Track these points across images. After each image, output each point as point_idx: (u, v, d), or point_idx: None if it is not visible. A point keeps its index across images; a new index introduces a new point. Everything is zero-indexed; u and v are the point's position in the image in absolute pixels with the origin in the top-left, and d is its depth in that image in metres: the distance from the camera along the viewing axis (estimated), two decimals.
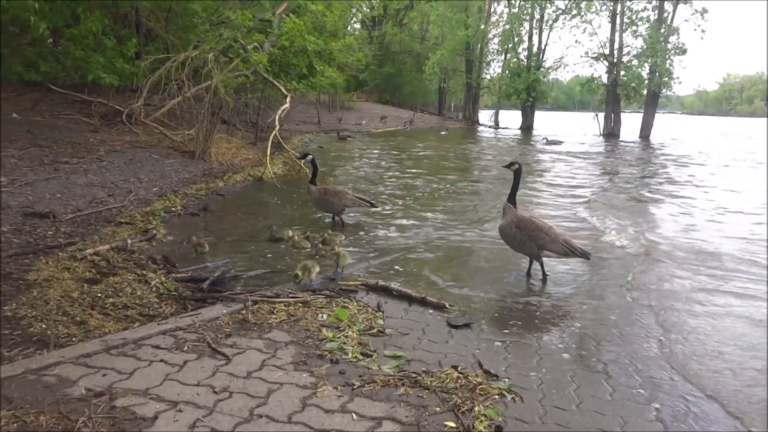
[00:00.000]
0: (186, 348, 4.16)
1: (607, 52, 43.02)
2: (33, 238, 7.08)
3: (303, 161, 11.82)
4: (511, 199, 6.92)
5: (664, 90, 42.17)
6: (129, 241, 7.14)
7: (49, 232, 7.38)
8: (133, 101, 16.89)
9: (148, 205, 9.53)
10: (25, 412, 3.22)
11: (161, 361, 3.93)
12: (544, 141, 33.44)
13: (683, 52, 39.77)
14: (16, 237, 7.02)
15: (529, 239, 6.57)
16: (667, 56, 39.44)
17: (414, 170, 17.59)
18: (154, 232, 7.76)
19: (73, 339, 4.37)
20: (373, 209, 9.64)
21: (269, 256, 7.31)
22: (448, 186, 14.52)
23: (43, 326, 4.55)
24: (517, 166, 7.06)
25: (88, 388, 3.52)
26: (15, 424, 3.10)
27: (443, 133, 39.30)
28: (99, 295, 5.31)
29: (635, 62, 41.58)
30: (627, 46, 42.31)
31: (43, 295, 5.16)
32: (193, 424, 3.20)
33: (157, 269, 6.26)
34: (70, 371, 3.72)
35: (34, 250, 6.51)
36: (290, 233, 7.94)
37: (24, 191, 8.97)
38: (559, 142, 32.78)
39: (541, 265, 6.77)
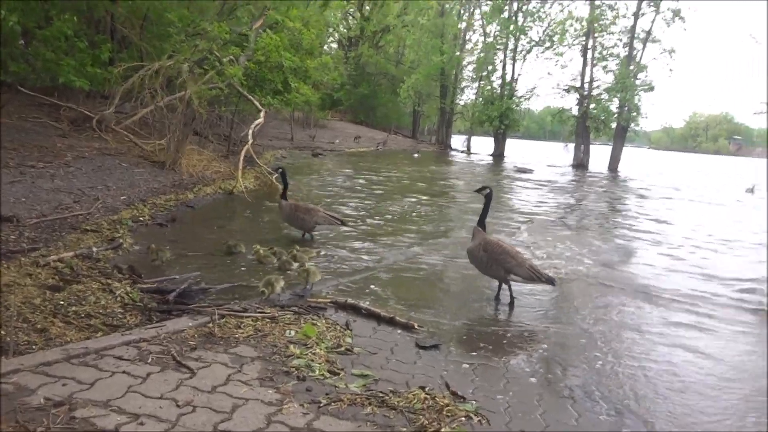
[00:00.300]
0: (150, 360, 4.07)
1: (578, 84, 43.88)
2: None
3: (275, 176, 11.77)
4: (481, 222, 6.99)
5: (632, 124, 43.06)
6: (94, 249, 7.00)
7: (12, 237, 7.19)
8: (103, 107, 16.63)
9: (116, 213, 9.36)
10: None
11: (124, 372, 3.84)
12: (515, 168, 33.89)
13: (651, 88, 40.78)
14: None
15: (496, 263, 6.63)
16: (635, 92, 40.37)
17: (385, 191, 17.64)
18: (121, 241, 7.62)
19: (34, 347, 4.25)
20: (343, 227, 9.65)
21: (239, 270, 7.23)
22: (419, 208, 14.59)
23: (2, 333, 4.41)
24: (488, 190, 7.14)
25: (47, 397, 3.42)
26: None
27: (416, 155, 39.55)
28: (62, 302, 5.18)
29: (605, 96, 42.45)
30: (597, 80, 43.25)
31: (4, 301, 5.01)
32: None
33: (122, 279, 6.15)
34: (29, 380, 3.61)
35: None
36: (256, 247, 7.87)
37: None
38: (530, 171, 33.25)
39: (509, 288, 6.82)
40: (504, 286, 6.87)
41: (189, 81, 14.03)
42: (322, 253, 8.54)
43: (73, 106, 16.91)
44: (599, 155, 45.16)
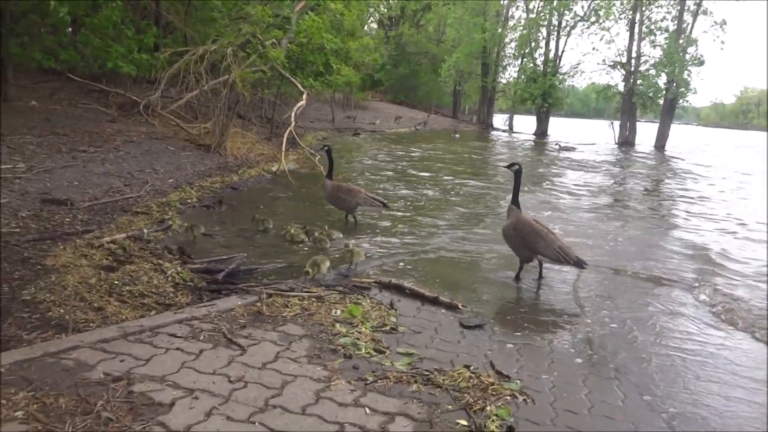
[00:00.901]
0: (202, 337, 4.21)
1: (624, 60, 42.84)
2: (51, 224, 7.16)
3: (317, 157, 11.87)
4: (515, 200, 6.91)
5: (680, 101, 41.95)
6: (145, 230, 7.21)
7: (67, 219, 7.46)
8: (150, 92, 17.01)
9: (164, 196, 9.61)
10: (44, 393, 3.27)
11: (177, 349, 3.98)
12: (557, 147, 33.37)
13: (701, 63, 39.56)
14: (34, 223, 7.11)
15: (524, 242, 6.58)
16: (684, 67, 39.24)
17: (426, 172, 17.61)
18: (170, 222, 7.83)
19: (91, 324, 4.44)
20: (386, 209, 9.67)
21: (284, 250, 7.36)
22: (460, 188, 14.54)
23: (61, 311, 4.62)
24: (517, 167, 7.04)
25: (106, 372, 3.58)
26: (35, 405, 3.15)
27: (456, 136, 39.28)
28: (116, 282, 5.37)
29: (652, 71, 41.40)
30: (644, 55, 42.20)
31: (61, 281, 5.23)
32: (209, 411, 3.24)
33: (172, 259, 6.33)
34: (88, 356, 3.78)
35: (51, 236, 6.59)
36: (287, 228, 8.00)
37: (42, 178, 9.07)
38: (572, 149, 32.71)
39: (540, 267, 6.84)
40: (526, 266, 6.85)
41: (233, 65, 14.20)
42: (364, 235, 8.62)
43: (121, 91, 17.34)
44: (646, 133, 44.14)
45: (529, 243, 6.53)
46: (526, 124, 56.12)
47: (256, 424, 3.17)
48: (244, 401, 3.39)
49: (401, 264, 7.10)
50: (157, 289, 5.39)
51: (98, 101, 17.49)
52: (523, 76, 51.24)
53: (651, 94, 41.59)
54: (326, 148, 9.94)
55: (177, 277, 5.71)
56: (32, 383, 3.38)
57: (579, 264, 6.42)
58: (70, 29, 16.33)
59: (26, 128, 12.31)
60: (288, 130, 14.78)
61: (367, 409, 3.43)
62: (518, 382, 3.98)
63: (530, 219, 6.81)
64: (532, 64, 50.45)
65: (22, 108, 14.70)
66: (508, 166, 7.16)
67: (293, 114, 15.40)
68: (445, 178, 16.50)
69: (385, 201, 9.66)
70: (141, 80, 19.12)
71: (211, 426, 3.10)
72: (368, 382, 3.76)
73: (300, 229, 7.96)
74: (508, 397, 3.74)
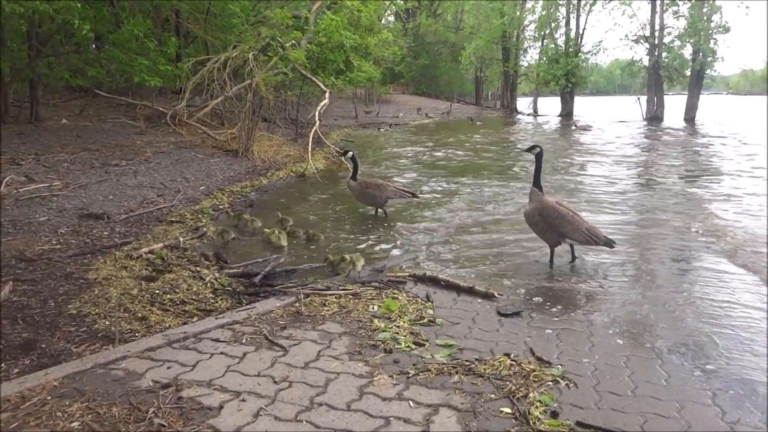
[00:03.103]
0: (244, 340, 4.30)
1: (647, 33, 42.02)
2: (90, 238, 7.35)
3: (344, 157, 11.94)
4: (537, 183, 6.84)
5: (707, 70, 41.03)
6: (181, 239, 7.35)
7: (105, 233, 7.65)
8: (175, 103, 17.29)
9: (197, 203, 9.78)
10: (98, 404, 3.38)
11: (221, 353, 4.07)
12: (574, 127, 32.98)
13: (727, 30, 38.60)
14: (74, 238, 7.30)
15: (550, 227, 6.53)
16: (710, 35, 38.36)
17: (451, 160, 17.56)
18: (204, 229, 7.96)
19: (137, 334, 4.56)
20: (415, 199, 9.71)
21: (317, 251, 7.43)
22: (485, 174, 14.46)
23: (107, 323, 4.75)
24: (538, 149, 6.97)
25: (154, 380, 3.68)
26: (90, 416, 3.26)
27: (479, 123, 39.05)
28: (157, 291, 5.50)
29: (677, 43, 40.55)
30: (668, 27, 41.31)
31: (104, 293, 5.38)
32: (257, 412, 3.32)
33: (210, 265, 6.46)
34: (136, 365, 3.89)
35: (91, 250, 6.76)
36: (266, 231, 7.82)
37: (78, 194, 9.30)
38: (589, 128, 32.31)
39: (572, 249, 6.80)
40: (557, 250, 6.79)
41: (255, 69, 14.34)
42: (395, 228, 8.66)
43: (148, 103, 17.66)
44: (674, 106, 43.27)
45: (556, 227, 6.49)
46: (550, 106, 55.47)
47: (304, 422, 3.23)
48: (290, 401, 3.46)
49: (432, 254, 7.13)
50: (197, 295, 5.51)
51: (126, 115, 17.85)
52: (544, 58, 50.62)
53: (677, 66, 40.75)
54: (350, 154, 9.96)
55: (215, 283, 5.83)
56: (85, 394, 3.49)
57: (608, 244, 6.38)
58: (95, 46, 16.66)
59: (59, 146, 12.63)
60: (313, 130, 14.88)
61: (411, 402, 3.47)
62: (559, 367, 3.98)
63: (554, 202, 6.73)
64: (553, 45, 49.83)
65: (54, 127, 15.07)
66: (529, 149, 7.11)
67: (317, 113, 15.50)
68: (470, 164, 16.44)
69: (414, 191, 9.69)
70: (166, 91, 19.46)
71: (260, 427, 3.18)
72: (410, 375, 3.80)
73: (281, 234, 7.67)
74: (551, 383, 3.74)
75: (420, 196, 10.13)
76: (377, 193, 9.29)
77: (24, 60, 14.51)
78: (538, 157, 6.92)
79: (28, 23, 13.51)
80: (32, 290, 5.42)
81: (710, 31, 38.38)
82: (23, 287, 5.47)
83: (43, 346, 4.32)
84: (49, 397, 3.45)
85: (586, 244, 6.54)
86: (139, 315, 4.94)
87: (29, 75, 14.71)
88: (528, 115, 52.50)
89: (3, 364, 4.02)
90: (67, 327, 4.67)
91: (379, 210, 9.56)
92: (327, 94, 16.64)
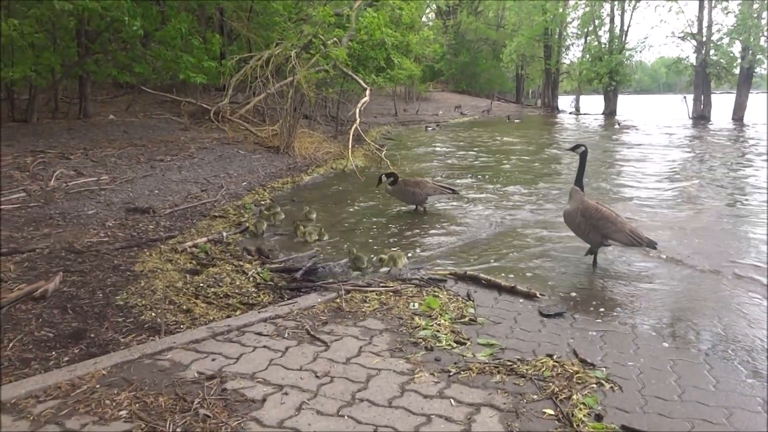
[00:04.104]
0: (286, 335, 4.34)
1: (695, 30, 40.97)
2: (136, 232, 7.52)
3: (383, 152, 11.95)
4: (579, 182, 6.72)
5: (757, 68, 39.82)
6: (224, 233, 7.47)
7: (150, 227, 7.81)
8: (219, 99, 17.57)
9: (239, 198, 9.91)
10: (145, 393, 3.46)
11: (264, 347, 4.12)
12: (617, 126, 32.34)
13: None
14: (121, 231, 7.48)
15: (594, 229, 6.43)
16: (760, 33, 37.20)
17: (492, 159, 17.42)
18: (247, 224, 8.06)
19: (182, 326, 4.65)
20: (455, 196, 9.67)
21: (355, 245, 7.46)
22: (526, 175, 14.31)
23: (153, 314, 4.86)
24: (583, 148, 6.84)
25: (199, 371, 3.74)
26: (137, 405, 3.33)
27: (516, 121, 38.67)
28: (201, 285, 5.60)
29: (726, 40, 39.45)
30: (716, 24, 40.22)
31: (150, 286, 5.50)
32: (299, 406, 3.35)
33: (252, 260, 6.54)
34: (181, 356, 3.96)
35: (138, 244, 6.92)
36: (298, 224, 7.84)
37: (125, 188, 9.52)
38: (633, 127, 31.63)
39: (595, 254, 6.68)
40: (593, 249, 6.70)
41: (297, 66, 14.46)
42: (436, 226, 8.64)
43: (192, 100, 17.98)
44: (722, 105, 42.11)
45: (600, 228, 6.38)
46: (593, 105, 54.58)
47: (345, 417, 3.25)
48: (332, 395, 3.48)
49: (474, 254, 7.09)
50: (240, 289, 5.59)
51: (171, 111, 18.20)
52: (587, 55, 49.89)
53: (725, 64, 39.65)
54: (390, 177, 9.68)
55: (258, 277, 5.90)
56: (132, 384, 3.57)
57: (651, 245, 6.28)
58: (141, 43, 17.03)
59: (107, 141, 12.95)
60: (353, 127, 14.93)
61: (452, 401, 3.46)
62: (604, 369, 3.91)
63: (595, 203, 6.65)
64: (596, 42, 49.04)
65: (102, 122, 15.46)
66: (573, 149, 6.99)
67: (357, 111, 15.54)
68: (509, 162, 16.29)
69: (454, 188, 9.64)
70: (210, 88, 19.77)
71: (303, 420, 3.20)
72: (451, 373, 3.79)
73: (314, 229, 7.70)
74: (594, 386, 3.69)
75: (459, 192, 10.05)
76: (417, 190, 9.27)
77: (73, 57, 14.90)
78: (583, 157, 6.80)
79: (77, 21, 13.87)
80: (81, 281, 5.57)
81: (761, 29, 37.21)
82: (73, 278, 5.62)
83: (92, 335, 4.43)
84: (98, 386, 3.54)
85: (629, 246, 6.43)
86: (184, 307, 5.03)
87: (78, 72, 15.11)
88: (570, 113, 51.76)
89: (54, 353, 4.14)
90: (115, 317, 4.79)
91: (419, 207, 9.54)
92: (367, 92, 16.68)
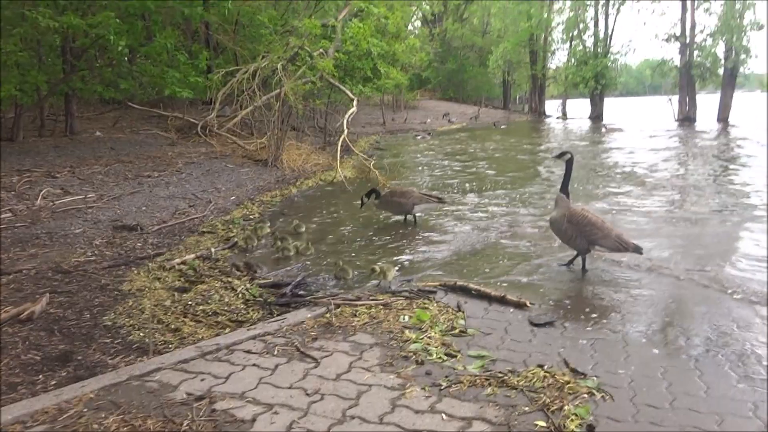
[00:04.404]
0: (276, 352, 4.31)
1: (678, 32, 41.32)
2: (124, 250, 7.48)
3: (371, 162, 11.93)
4: (564, 189, 6.74)
5: (741, 68, 40.20)
6: (212, 249, 7.43)
7: (138, 244, 7.77)
8: (206, 113, 17.54)
9: (228, 213, 9.88)
10: (133, 416, 3.42)
11: (254, 365, 4.09)
12: (603, 129, 32.50)
13: (761, 27, 37.77)
14: (108, 250, 7.44)
15: (581, 234, 6.46)
16: (743, 33, 37.61)
17: (478, 167, 17.46)
18: (236, 240, 8.02)
19: (170, 346, 4.61)
20: (442, 204, 9.63)
21: (343, 259, 7.44)
22: (511, 181, 14.34)
23: (141, 334, 4.82)
24: (568, 155, 6.87)
25: (188, 392, 3.71)
26: (125, 429, 3.29)
27: (502, 126, 38.83)
28: (189, 303, 5.57)
29: (709, 41, 39.83)
30: (700, 25, 40.63)
31: (138, 305, 5.47)
32: (290, 425, 3.32)
33: (241, 276, 6.51)
34: (170, 377, 3.92)
35: (125, 262, 6.88)
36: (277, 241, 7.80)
37: (112, 205, 9.47)
38: (619, 130, 31.80)
39: (584, 260, 6.68)
40: (580, 256, 6.72)
41: (284, 78, 14.47)
42: (424, 235, 8.63)
43: (179, 115, 17.95)
44: (707, 106, 42.42)
45: (587, 234, 6.42)
46: (580, 109, 54.86)
47: None
48: (323, 413, 3.45)
49: (461, 264, 7.09)
50: (229, 306, 5.56)
51: (158, 126, 18.16)
52: (573, 60, 50.16)
53: (709, 65, 40.02)
54: (372, 196, 9.57)
55: (247, 294, 5.88)
56: (120, 407, 3.53)
57: (637, 250, 6.33)
58: (127, 59, 17.00)
59: (94, 158, 12.89)
60: (341, 138, 14.93)
61: (444, 415, 3.44)
62: (595, 378, 3.91)
63: (582, 209, 6.69)
64: (581, 47, 49.32)
65: (89, 139, 15.40)
66: (559, 156, 7.01)
67: (345, 121, 15.55)
68: (489, 172, 16.31)
69: (440, 197, 9.62)
70: (196, 102, 19.75)
71: None
72: (442, 387, 3.77)
73: (293, 243, 7.65)
74: (586, 395, 3.68)
75: (446, 201, 10.03)
76: (403, 200, 9.24)
77: (59, 74, 14.85)
78: (569, 164, 6.83)
79: (62, 38, 13.83)
80: (68, 302, 5.53)
81: (743, 28, 37.63)
82: (60, 299, 5.58)
83: (80, 357, 4.39)
84: (85, 410, 3.50)
85: (615, 251, 6.48)
86: (173, 326, 5.00)
87: (64, 89, 15.06)
88: (557, 118, 52.02)
89: (41, 376, 4.10)
90: (103, 338, 4.75)
91: (408, 217, 9.52)
92: (355, 102, 16.70)
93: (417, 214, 9.51)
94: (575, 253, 6.80)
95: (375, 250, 7.89)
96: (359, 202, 9.68)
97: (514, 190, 12.91)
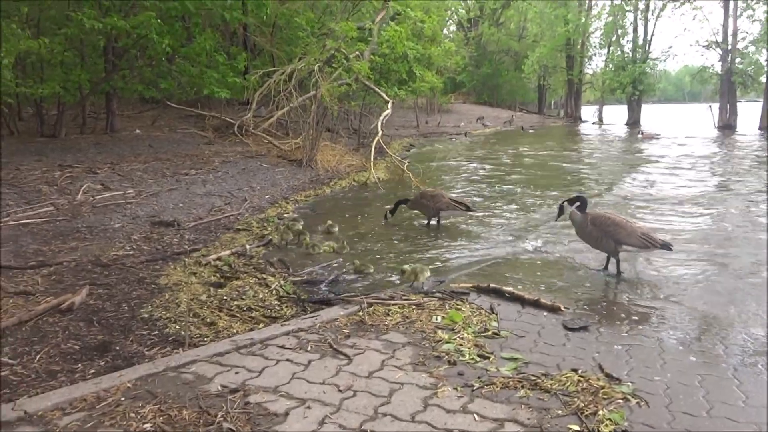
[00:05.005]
0: (309, 348, 4.34)
1: (719, 39, 40.51)
2: (161, 245, 7.61)
3: (405, 164, 11.85)
4: (580, 208, 6.76)
5: None
6: (247, 246, 7.52)
7: (175, 240, 7.90)
8: (242, 113, 17.76)
9: (262, 212, 9.98)
10: (169, 406, 3.48)
11: (287, 360, 4.13)
12: (640, 135, 31.90)
13: None
14: (146, 244, 7.57)
15: (606, 235, 6.43)
16: None
17: (509, 174, 17.35)
18: (270, 237, 8.11)
19: (205, 339, 4.67)
20: (470, 212, 9.53)
21: (376, 257, 7.46)
22: (548, 185, 14.20)
23: (177, 327, 4.90)
24: (579, 202, 6.78)
25: (223, 384, 3.75)
26: (161, 418, 3.35)
27: (531, 131, 38.52)
28: (225, 297, 5.64)
29: (752, 48, 38.99)
30: (742, 32, 39.82)
31: (175, 299, 5.55)
32: (322, 420, 3.34)
33: (275, 273, 6.57)
34: (205, 369, 3.98)
35: (163, 257, 6.99)
36: (306, 238, 8.02)
37: (150, 202, 9.64)
38: (656, 137, 31.17)
39: (617, 262, 6.63)
40: (613, 259, 6.67)
41: (320, 80, 14.58)
42: (453, 240, 8.60)
43: (216, 114, 18.20)
44: (748, 114, 41.47)
45: (612, 234, 6.40)
46: (617, 115, 54.11)
47: None
48: (355, 410, 3.47)
49: (492, 268, 7.04)
50: (263, 302, 5.61)
51: (195, 125, 18.43)
52: (611, 65, 49.60)
53: (752, 73, 39.15)
54: (396, 209, 9.65)
55: (281, 290, 5.93)
56: (157, 397, 3.59)
57: (666, 246, 6.30)
58: (167, 59, 17.32)
59: (133, 156, 13.14)
60: (375, 140, 14.98)
61: (476, 416, 3.43)
62: (630, 384, 3.85)
63: (605, 212, 6.73)
64: (620, 52, 48.73)
65: (128, 137, 15.70)
66: (559, 212, 6.92)
67: (380, 123, 15.61)
68: (525, 175, 16.19)
69: (469, 204, 9.54)
70: (233, 102, 20.00)
71: None
72: (475, 388, 3.76)
73: (321, 241, 7.85)
74: (621, 401, 3.63)
75: (475, 209, 9.92)
76: (430, 203, 9.21)
77: (101, 74, 15.19)
78: (578, 200, 6.79)
79: (105, 39, 14.15)
80: (107, 294, 5.64)
81: None
82: (99, 291, 5.70)
83: (118, 348, 4.48)
84: (123, 398, 3.57)
85: (643, 249, 6.44)
86: (208, 320, 5.07)
87: (106, 88, 15.39)
88: (593, 123, 51.38)
89: (80, 365, 4.19)
90: (140, 330, 4.83)
91: (432, 221, 9.47)
92: (389, 105, 16.75)
93: (441, 220, 9.46)
94: (607, 257, 6.73)
95: (406, 251, 7.90)
96: (384, 217, 9.71)
97: (549, 192, 12.78)
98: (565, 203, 6.86)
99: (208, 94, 15.82)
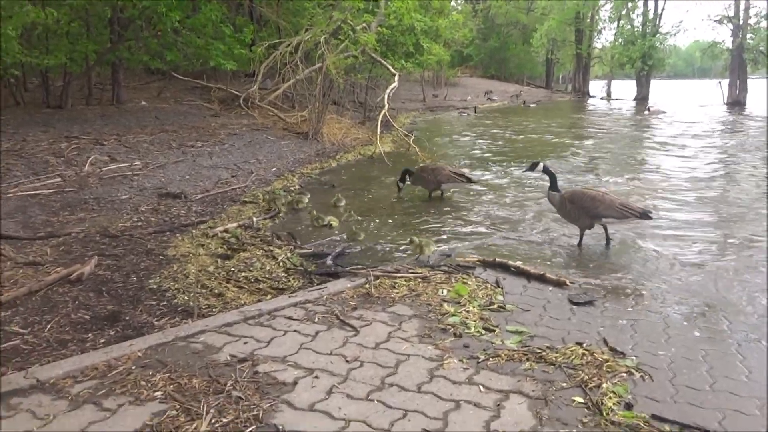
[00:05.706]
0: (316, 319, 4.39)
1: (731, 14, 39.92)
2: (168, 217, 7.65)
3: (411, 138, 11.85)
4: (554, 189, 6.89)
5: None
6: (254, 218, 7.56)
7: (182, 212, 7.94)
8: (248, 86, 17.68)
9: (268, 184, 10.00)
10: (179, 375, 3.53)
11: (295, 331, 4.18)
12: (646, 112, 31.65)
13: None
14: (153, 216, 7.62)
15: (583, 211, 6.53)
16: None
17: (512, 147, 17.27)
18: (276, 210, 8.13)
19: (214, 309, 4.73)
20: (471, 184, 9.54)
21: (382, 232, 7.49)
22: (551, 157, 14.16)
23: (186, 298, 4.95)
24: (541, 165, 6.99)
25: (232, 354, 3.81)
26: (171, 386, 3.41)
27: (532, 105, 38.22)
28: (232, 269, 5.69)
29: (764, 24, 38.44)
30: (755, 7, 39.37)
31: (183, 270, 5.59)
32: (330, 390, 3.39)
33: (282, 245, 6.60)
34: (214, 339, 4.03)
35: (170, 228, 7.03)
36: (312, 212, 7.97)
37: (157, 174, 9.67)
38: (662, 112, 30.93)
39: (606, 230, 6.85)
40: (587, 232, 6.85)
41: (326, 52, 14.48)
42: (459, 213, 8.61)
43: (222, 86, 18.12)
44: (759, 90, 41.01)
45: (589, 209, 6.50)
46: (625, 90, 53.61)
47: (375, 402, 3.29)
48: (362, 380, 3.52)
49: (495, 243, 7.07)
50: (270, 274, 5.66)
51: (201, 97, 18.38)
52: (620, 39, 48.97)
53: (763, 49, 38.63)
54: (406, 178, 9.70)
55: (288, 262, 5.97)
56: (167, 365, 3.65)
57: (645, 215, 6.37)
58: (173, 31, 17.20)
59: (139, 127, 13.14)
60: (382, 113, 14.92)
61: (481, 387, 3.47)
62: (634, 358, 3.88)
63: (581, 189, 6.86)
64: (629, 26, 48.08)
65: (134, 108, 15.68)
66: (530, 169, 7.12)
67: (386, 96, 15.52)
68: (529, 150, 16.13)
69: (470, 176, 9.53)
70: (239, 74, 19.89)
71: (333, 404, 3.25)
72: (480, 360, 3.80)
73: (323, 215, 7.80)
74: (624, 374, 3.66)
75: (476, 180, 9.92)
76: (430, 177, 9.22)
77: (106, 44, 15.11)
78: (548, 172, 6.94)
79: (111, 9, 14.06)
80: (116, 265, 5.69)
81: None
82: (107, 262, 5.74)
83: (127, 318, 4.53)
84: (133, 367, 3.62)
85: (622, 219, 6.52)
86: (216, 291, 5.12)
87: (111, 59, 15.33)
88: (601, 99, 50.97)
89: (90, 334, 4.25)
90: (149, 301, 4.89)
91: (433, 194, 9.47)
92: (396, 77, 16.63)
93: (445, 192, 9.48)
94: (581, 232, 6.89)
95: (413, 224, 7.92)
96: (396, 188, 9.76)
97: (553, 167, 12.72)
98: (542, 163, 7.05)
99: (214, 66, 15.73)
